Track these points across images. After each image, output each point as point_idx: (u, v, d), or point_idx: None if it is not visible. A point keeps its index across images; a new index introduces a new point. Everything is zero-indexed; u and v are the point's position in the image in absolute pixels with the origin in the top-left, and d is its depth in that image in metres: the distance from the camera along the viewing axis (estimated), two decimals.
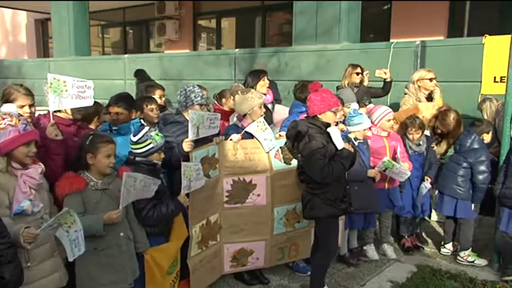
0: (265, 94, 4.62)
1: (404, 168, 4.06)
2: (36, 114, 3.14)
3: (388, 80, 5.05)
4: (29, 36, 15.93)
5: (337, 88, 4.94)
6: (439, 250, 4.48)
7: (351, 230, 4.21)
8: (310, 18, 6.72)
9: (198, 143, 3.26)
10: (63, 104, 2.89)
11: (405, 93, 4.89)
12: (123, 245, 2.78)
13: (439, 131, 4.49)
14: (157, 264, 3.02)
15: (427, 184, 4.35)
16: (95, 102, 3.18)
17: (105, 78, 9.11)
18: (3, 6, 14.35)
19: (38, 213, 2.44)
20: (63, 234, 2.35)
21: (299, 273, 3.95)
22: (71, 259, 2.42)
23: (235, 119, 3.96)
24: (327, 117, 3.30)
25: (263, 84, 4.60)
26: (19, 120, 2.44)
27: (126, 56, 9.56)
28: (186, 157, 3.19)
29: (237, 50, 7.78)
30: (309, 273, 3.67)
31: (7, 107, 2.69)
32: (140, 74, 7.96)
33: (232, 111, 4.48)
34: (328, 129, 3.25)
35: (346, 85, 4.91)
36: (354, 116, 3.92)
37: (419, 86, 4.77)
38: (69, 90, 2.88)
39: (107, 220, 2.63)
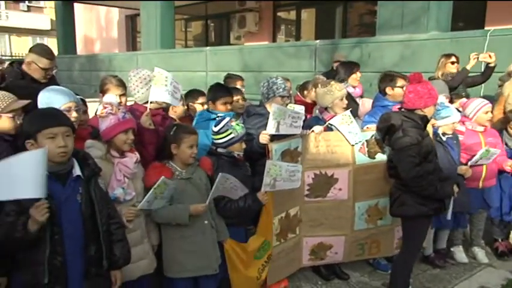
0: (354, 87, 4.51)
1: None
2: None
3: (492, 64, 4.67)
4: (120, 31, 17.05)
5: (430, 79, 4.67)
6: None
7: (439, 230, 3.98)
8: (396, 8, 6.41)
9: (276, 137, 3.20)
10: (160, 96, 3.00)
11: (499, 86, 4.49)
12: (208, 232, 2.84)
13: None
14: (237, 253, 3.07)
15: None
16: None
17: (187, 70, 9.48)
18: (100, 4, 15.49)
19: (130, 201, 2.56)
20: (158, 202, 2.49)
21: (380, 271, 3.83)
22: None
23: (317, 111, 3.91)
24: (430, 111, 3.13)
25: (355, 78, 4.48)
26: (119, 109, 2.60)
27: (208, 48, 9.84)
28: (263, 149, 3.17)
29: (317, 41, 7.66)
30: (390, 271, 3.54)
31: (108, 97, 2.89)
32: None
33: (314, 103, 4.43)
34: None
35: (440, 76, 4.64)
36: (441, 109, 3.67)
37: None
38: (167, 86, 3.00)
39: (193, 212, 2.70)
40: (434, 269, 3.90)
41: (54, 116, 2.11)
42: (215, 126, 3.04)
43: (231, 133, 2.99)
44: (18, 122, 2.48)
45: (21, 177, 1.83)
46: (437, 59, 4.92)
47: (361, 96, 4.62)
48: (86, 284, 2.09)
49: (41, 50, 3.48)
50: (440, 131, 3.70)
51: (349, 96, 4.01)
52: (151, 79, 3.02)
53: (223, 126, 3.00)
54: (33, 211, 1.87)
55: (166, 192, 2.55)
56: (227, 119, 3.06)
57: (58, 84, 3.54)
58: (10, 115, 2.49)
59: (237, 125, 3.04)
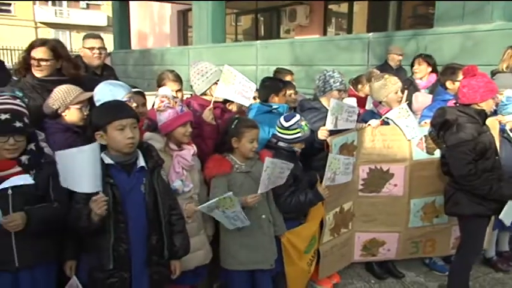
0: (420, 78, 4.37)
1: None
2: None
3: None
4: (172, 26, 17.44)
5: (492, 73, 4.43)
6: None
7: (500, 231, 3.78)
8: None
9: (332, 132, 3.16)
10: (224, 93, 2.99)
11: None
12: (265, 226, 2.83)
13: None
14: (293, 246, 3.06)
15: None
16: None
17: (237, 64, 9.51)
18: (154, 0, 15.89)
19: (188, 193, 2.61)
20: (219, 213, 2.50)
21: (436, 272, 3.70)
22: (231, 227, 2.63)
23: (371, 105, 3.82)
24: (488, 105, 2.99)
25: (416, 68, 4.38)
26: (175, 102, 2.64)
27: (258, 42, 9.84)
28: (322, 144, 3.15)
29: (370, 34, 7.45)
30: (447, 272, 3.41)
31: (163, 90, 2.96)
32: None
33: (367, 97, 4.34)
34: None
35: (505, 69, 4.38)
36: (507, 104, 3.47)
37: None
38: (235, 84, 2.99)
39: (244, 204, 2.65)
40: (497, 272, 3.70)
41: (122, 108, 2.19)
42: (286, 121, 3.01)
43: (299, 132, 2.98)
44: (85, 114, 2.61)
45: (78, 171, 1.94)
46: (502, 50, 4.64)
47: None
48: (148, 271, 2.17)
49: (86, 34, 3.88)
50: (508, 127, 3.49)
51: (413, 88, 3.89)
52: (208, 71, 3.06)
53: (294, 123, 2.99)
54: (92, 204, 1.95)
55: (228, 212, 2.52)
56: (298, 116, 3.04)
57: (116, 76, 3.72)
58: (78, 106, 2.63)
59: (306, 125, 3.03)
